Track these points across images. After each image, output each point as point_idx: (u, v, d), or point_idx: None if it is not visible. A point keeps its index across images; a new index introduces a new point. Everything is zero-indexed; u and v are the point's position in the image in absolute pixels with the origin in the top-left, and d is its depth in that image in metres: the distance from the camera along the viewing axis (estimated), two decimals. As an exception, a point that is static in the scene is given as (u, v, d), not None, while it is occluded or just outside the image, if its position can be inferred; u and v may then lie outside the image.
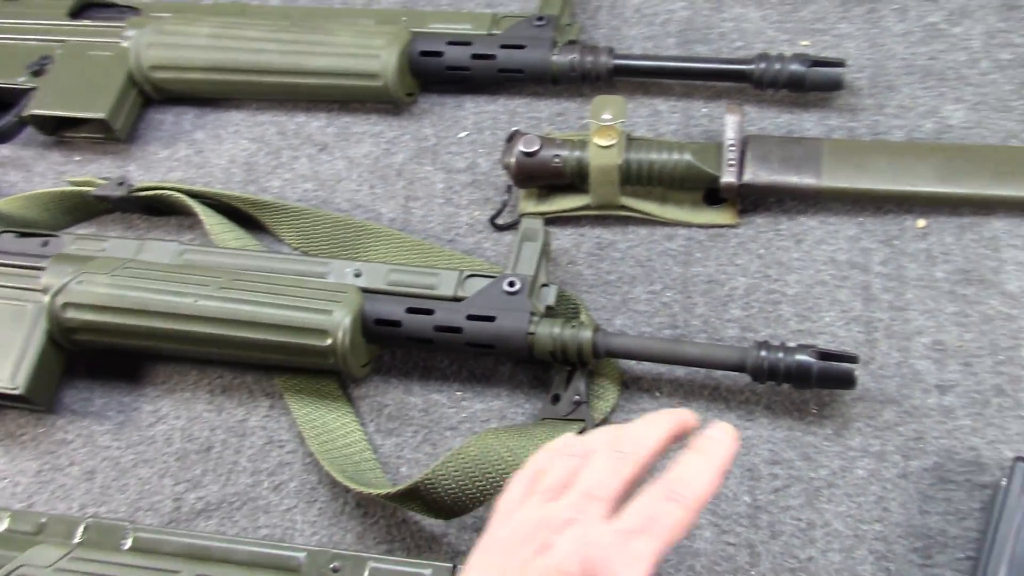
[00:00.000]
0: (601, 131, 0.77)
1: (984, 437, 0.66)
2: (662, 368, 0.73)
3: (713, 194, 0.78)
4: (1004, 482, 0.62)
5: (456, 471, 0.68)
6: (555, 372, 0.74)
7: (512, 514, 0.52)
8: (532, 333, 0.71)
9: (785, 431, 0.69)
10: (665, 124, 0.83)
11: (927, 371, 0.69)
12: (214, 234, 0.84)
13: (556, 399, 0.73)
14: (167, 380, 0.82)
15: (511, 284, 0.73)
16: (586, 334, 0.70)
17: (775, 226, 0.77)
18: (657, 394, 0.73)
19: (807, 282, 0.74)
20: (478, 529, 0.71)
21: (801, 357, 0.66)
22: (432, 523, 0.72)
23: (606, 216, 0.80)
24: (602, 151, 0.76)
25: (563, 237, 0.80)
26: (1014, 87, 0.78)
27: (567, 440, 0.55)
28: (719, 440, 0.51)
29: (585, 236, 0.80)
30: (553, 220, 0.81)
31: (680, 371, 0.73)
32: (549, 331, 0.71)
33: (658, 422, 0.53)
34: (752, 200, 0.78)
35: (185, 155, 0.93)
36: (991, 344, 0.69)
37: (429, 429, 0.75)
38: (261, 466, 0.76)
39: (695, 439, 0.51)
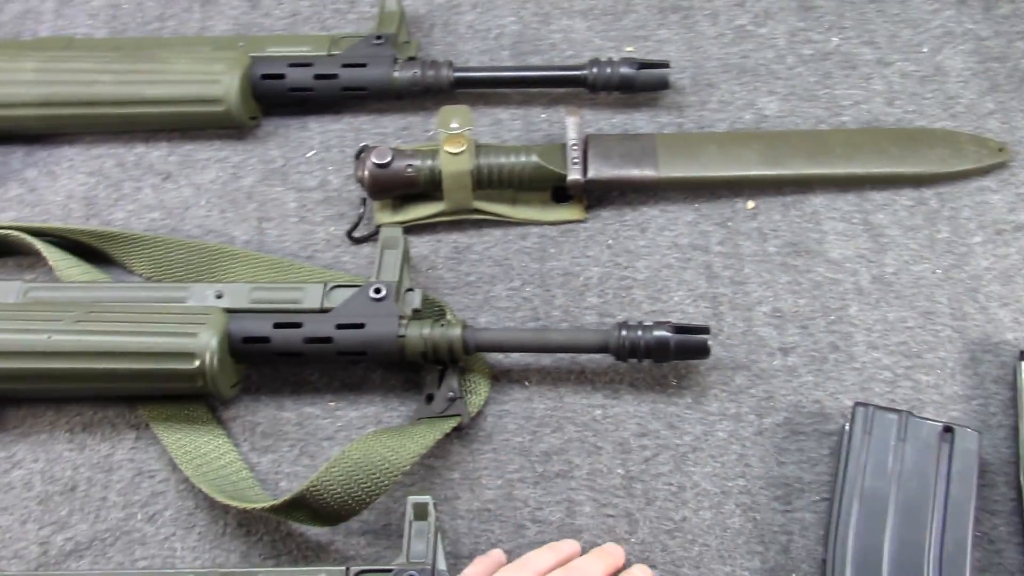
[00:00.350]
0: (450, 139, 0.80)
1: (825, 390, 0.73)
2: (529, 358, 0.76)
3: (561, 192, 0.82)
4: (847, 427, 0.68)
5: (341, 475, 0.68)
6: (426, 373, 0.76)
7: None
8: (402, 336, 0.73)
9: (649, 404, 0.74)
10: (507, 131, 0.87)
11: (770, 336, 0.75)
12: (59, 270, 0.81)
13: (430, 398, 0.75)
14: (20, 424, 0.78)
15: (377, 291, 0.74)
16: (455, 331, 0.73)
17: (620, 218, 0.82)
18: (527, 383, 0.76)
19: (655, 266, 0.79)
20: (365, 533, 0.71)
21: (659, 333, 0.71)
22: (318, 532, 0.72)
23: (461, 221, 0.83)
24: (453, 158, 0.79)
25: (421, 244, 0.83)
26: (817, 78, 0.86)
27: (518, 561, 0.65)
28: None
29: (442, 241, 0.83)
30: (409, 229, 0.83)
31: (546, 359, 0.76)
32: (419, 332, 0.73)
33: (602, 563, 0.65)
34: (597, 195, 0.83)
35: (17, 194, 0.90)
36: (822, 307, 0.76)
37: (305, 442, 0.76)
38: (132, 499, 0.74)
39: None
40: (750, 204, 0.81)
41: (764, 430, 0.72)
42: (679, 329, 0.71)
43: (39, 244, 0.82)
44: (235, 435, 0.77)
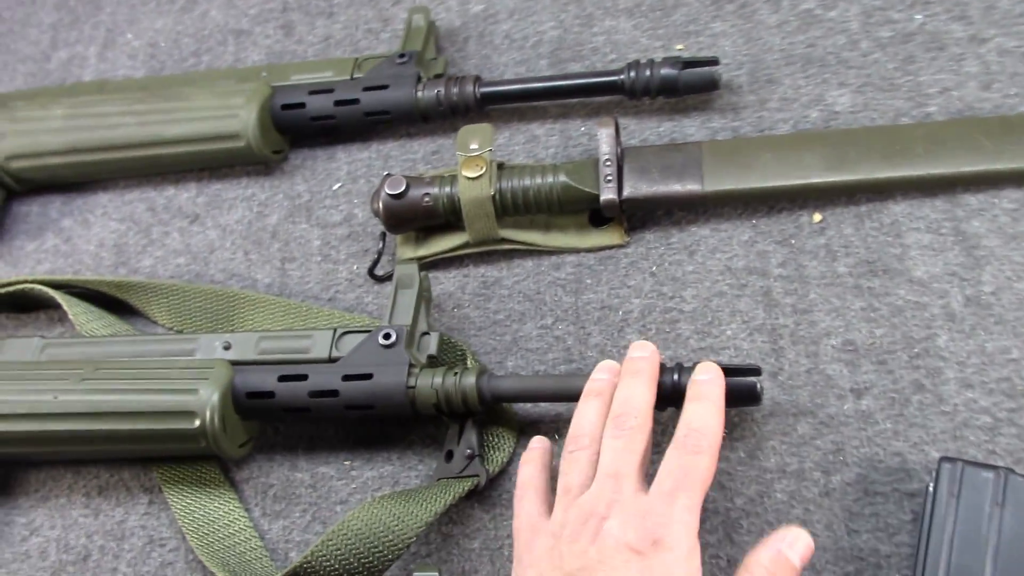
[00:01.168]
0: (468, 162, 0.72)
1: (908, 440, 0.60)
2: (560, 407, 0.67)
3: (598, 214, 0.73)
4: (931, 486, 0.55)
5: (339, 549, 0.61)
6: (447, 426, 0.68)
7: (540, 527, 0.54)
8: (412, 386, 0.65)
9: (695, 460, 0.63)
10: (543, 148, 0.78)
11: (839, 375, 0.63)
12: (79, 324, 0.78)
13: (450, 456, 0.67)
14: (40, 487, 0.75)
15: (387, 336, 0.67)
16: (469, 380, 0.64)
17: (666, 240, 0.71)
18: (556, 436, 0.66)
19: (704, 295, 0.68)
20: (376, 610, 0.64)
21: (698, 376, 0.60)
22: (326, 610, 0.64)
23: (491, 252, 0.75)
24: (471, 183, 0.71)
25: (447, 280, 0.75)
26: (897, 64, 0.73)
27: (569, 438, 0.57)
28: (709, 381, 0.57)
29: (470, 276, 0.75)
30: (435, 263, 0.75)
31: (579, 408, 0.67)
32: (430, 382, 0.65)
33: (639, 380, 0.57)
34: (640, 216, 0.73)
35: (53, 245, 0.88)
36: (904, 337, 0.63)
37: (318, 506, 0.69)
38: (142, 570, 0.70)
39: (690, 387, 0.56)
40: (816, 217, 0.69)
41: (832, 490, 0.60)
42: (723, 371, 0.60)
43: (60, 297, 0.80)
44: (247, 499, 0.71)
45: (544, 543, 0.53)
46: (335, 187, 0.82)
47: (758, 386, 0.59)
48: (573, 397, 0.64)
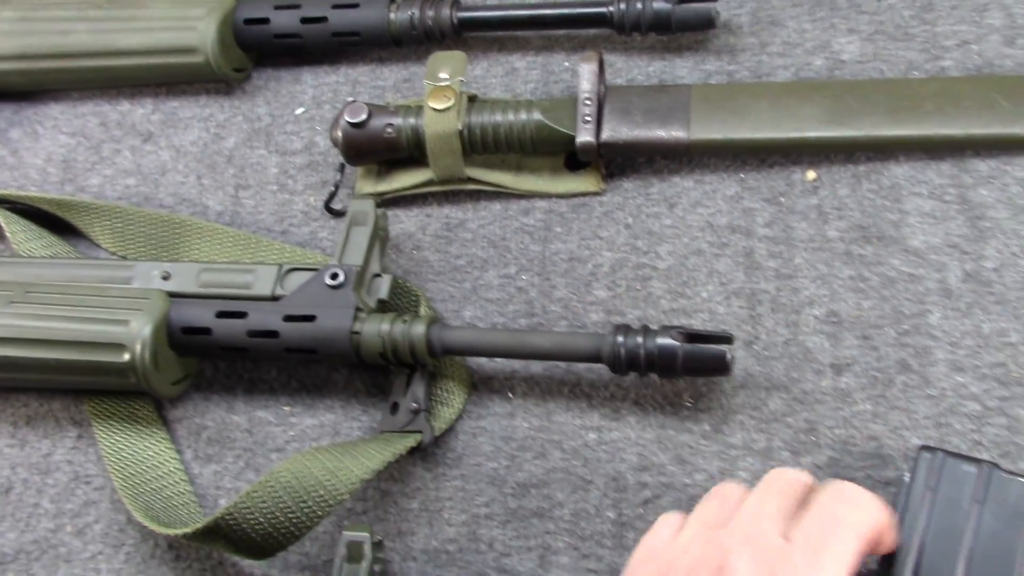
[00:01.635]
0: (436, 92, 0.66)
1: (887, 423, 0.55)
2: (517, 365, 0.62)
3: (574, 158, 0.67)
4: (907, 476, 0.50)
5: (264, 501, 0.56)
6: (394, 376, 0.63)
7: (661, 549, 0.47)
8: (357, 332, 0.60)
9: (656, 430, 0.58)
10: (523, 83, 0.72)
11: (820, 348, 0.58)
12: (17, 243, 0.73)
13: (395, 408, 0.62)
14: (-34, 414, 0.71)
15: (334, 276, 0.62)
16: (419, 329, 0.59)
17: (645, 190, 0.66)
18: (510, 395, 0.62)
19: (681, 252, 0.63)
20: (304, 568, 0.60)
21: (663, 341, 0.55)
22: (253, 564, 0.60)
23: (456, 192, 0.69)
24: (438, 116, 0.65)
25: (407, 219, 0.69)
26: (914, 11, 0.66)
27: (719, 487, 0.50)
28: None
29: (432, 216, 0.69)
30: (397, 200, 0.70)
31: (537, 367, 0.62)
32: (377, 328, 0.60)
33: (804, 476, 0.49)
34: (619, 162, 0.67)
35: (-1, 156, 0.82)
36: (894, 311, 0.58)
37: (253, 452, 0.64)
38: (64, 507, 0.65)
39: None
40: (810, 175, 0.63)
41: (800, 472, 0.55)
42: (692, 337, 0.55)
43: (-3, 213, 0.74)
44: (179, 439, 0.66)
45: (659, 569, 0.45)
46: (298, 112, 0.76)
47: (728, 355, 0.54)
48: (530, 355, 0.59)
